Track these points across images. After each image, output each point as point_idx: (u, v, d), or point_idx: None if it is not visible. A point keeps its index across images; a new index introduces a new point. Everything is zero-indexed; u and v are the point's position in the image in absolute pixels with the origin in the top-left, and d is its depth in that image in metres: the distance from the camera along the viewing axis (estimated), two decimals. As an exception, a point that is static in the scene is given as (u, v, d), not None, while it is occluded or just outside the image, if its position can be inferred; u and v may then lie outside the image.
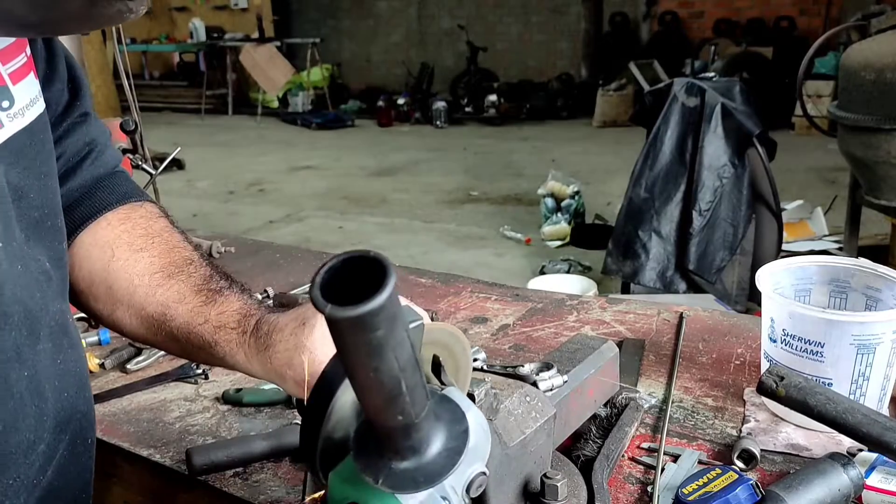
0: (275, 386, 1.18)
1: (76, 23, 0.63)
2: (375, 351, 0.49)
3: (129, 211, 0.96)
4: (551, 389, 0.87)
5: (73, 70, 0.91)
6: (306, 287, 1.66)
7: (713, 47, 9.21)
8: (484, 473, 0.65)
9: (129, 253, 0.92)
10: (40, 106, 0.77)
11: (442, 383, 0.69)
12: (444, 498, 0.62)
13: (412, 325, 0.62)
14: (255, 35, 13.10)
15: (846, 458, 0.87)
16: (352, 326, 0.47)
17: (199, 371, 1.29)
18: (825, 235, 4.81)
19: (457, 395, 0.64)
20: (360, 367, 0.51)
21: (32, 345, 0.72)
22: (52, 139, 0.80)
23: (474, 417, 0.63)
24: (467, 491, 0.64)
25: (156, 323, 0.89)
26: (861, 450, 0.92)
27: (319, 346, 0.78)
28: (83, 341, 1.40)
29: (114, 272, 0.91)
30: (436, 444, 0.59)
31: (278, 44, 12.68)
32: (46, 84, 0.86)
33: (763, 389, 0.96)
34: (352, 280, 0.47)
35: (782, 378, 0.94)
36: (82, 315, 1.48)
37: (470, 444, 0.60)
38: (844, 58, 3.69)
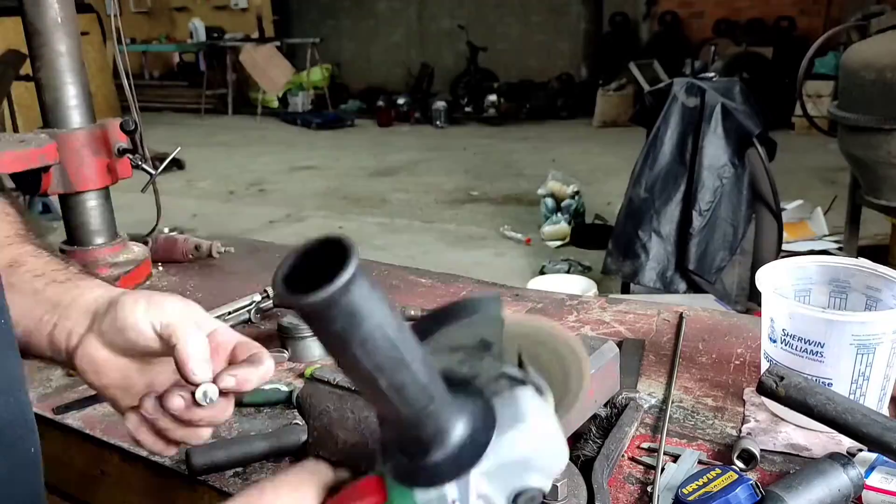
0: (275, 386, 1.18)
1: None
2: (339, 344, 0.47)
3: None
4: (551, 389, 0.87)
5: None
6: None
7: (713, 47, 9.22)
8: (539, 489, 0.56)
9: None
10: None
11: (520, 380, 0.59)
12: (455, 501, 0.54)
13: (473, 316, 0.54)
14: (255, 35, 13.13)
15: (846, 458, 0.87)
16: (306, 315, 0.46)
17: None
18: (825, 235, 4.82)
19: (521, 397, 0.56)
20: (332, 354, 0.50)
21: None
22: None
23: (534, 425, 0.55)
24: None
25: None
26: (861, 450, 0.92)
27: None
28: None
29: None
30: (453, 445, 0.53)
31: (278, 44, 12.69)
32: None
33: (763, 389, 0.96)
34: (328, 264, 0.44)
35: (782, 378, 0.94)
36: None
37: (512, 454, 0.54)
38: (844, 58, 3.69)
